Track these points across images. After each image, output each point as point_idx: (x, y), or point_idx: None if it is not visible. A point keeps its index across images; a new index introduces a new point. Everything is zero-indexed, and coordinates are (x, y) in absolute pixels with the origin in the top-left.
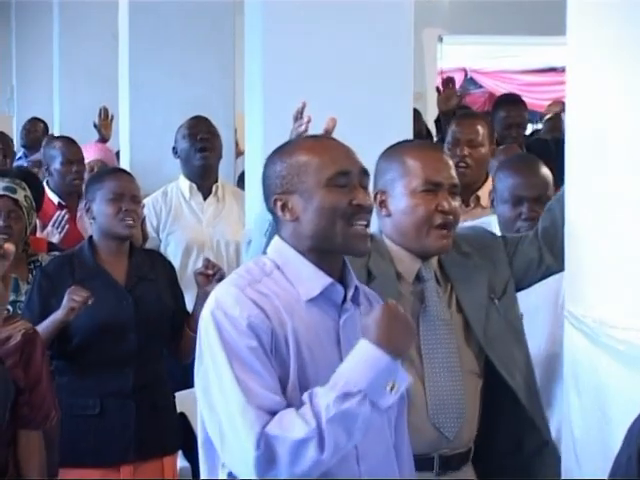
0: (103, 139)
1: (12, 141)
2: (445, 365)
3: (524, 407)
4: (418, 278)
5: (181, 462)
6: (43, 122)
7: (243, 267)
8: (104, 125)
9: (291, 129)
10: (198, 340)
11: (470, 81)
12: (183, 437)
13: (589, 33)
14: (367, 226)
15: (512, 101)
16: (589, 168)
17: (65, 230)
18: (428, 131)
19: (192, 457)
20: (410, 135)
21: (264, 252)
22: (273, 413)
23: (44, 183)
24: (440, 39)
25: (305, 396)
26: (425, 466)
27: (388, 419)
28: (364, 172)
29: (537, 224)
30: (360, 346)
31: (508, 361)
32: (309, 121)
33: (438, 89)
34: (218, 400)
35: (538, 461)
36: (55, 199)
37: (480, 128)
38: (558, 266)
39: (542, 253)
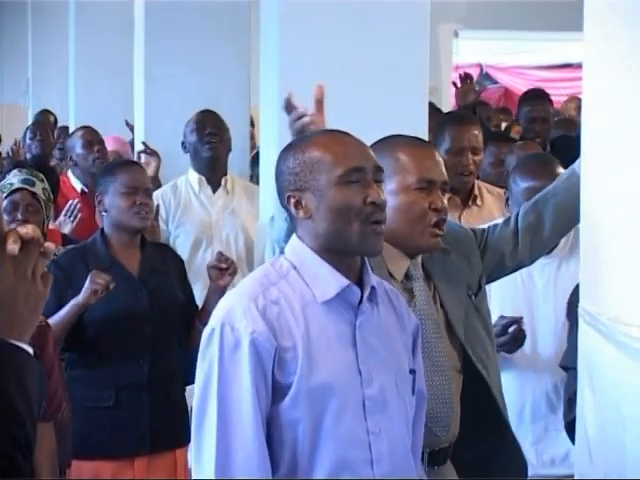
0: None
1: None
2: (436, 364)
3: (496, 402)
4: (407, 276)
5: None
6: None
7: (261, 270)
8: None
9: (288, 122)
10: (201, 344)
11: (486, 76)
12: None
13: (606, 29)
14: (381, 224)
15: (537, 96)
16: (605, 166)
17: (77, 219)
18: None
19: None
20: (426, 129)
21: (281, 251)
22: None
23: (69, 172)
24: (456, 34)
25: None
26: None
27: (406, 419)
28: (378, 168)
29: (514, 217)
30: None
31: (484, 358)
32: (304, 115)
33: (455, 84)
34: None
35: (502, 456)
36: (78, 186)
37: (478, 133)
38: (530, 262)
39: (516, 247)
